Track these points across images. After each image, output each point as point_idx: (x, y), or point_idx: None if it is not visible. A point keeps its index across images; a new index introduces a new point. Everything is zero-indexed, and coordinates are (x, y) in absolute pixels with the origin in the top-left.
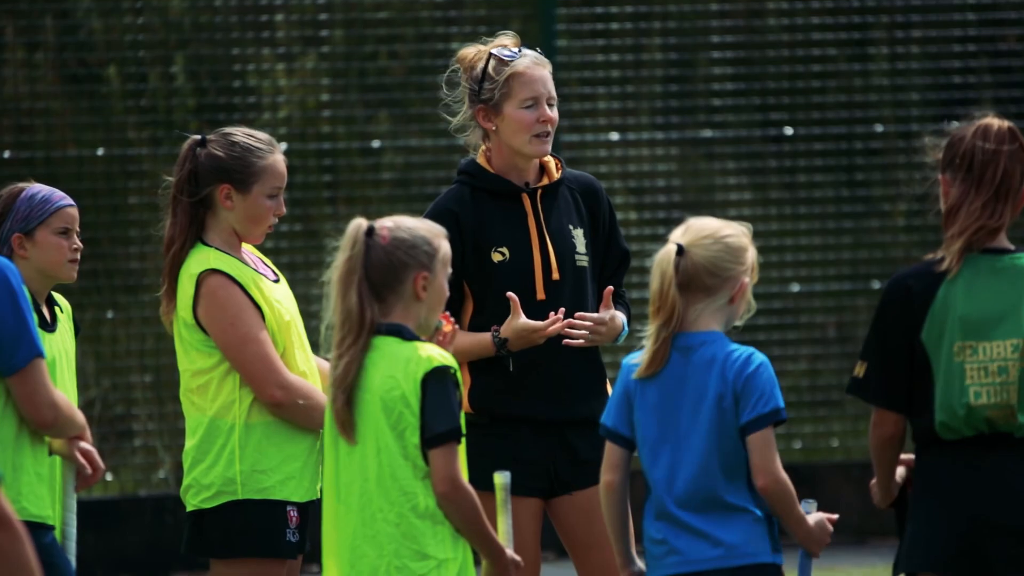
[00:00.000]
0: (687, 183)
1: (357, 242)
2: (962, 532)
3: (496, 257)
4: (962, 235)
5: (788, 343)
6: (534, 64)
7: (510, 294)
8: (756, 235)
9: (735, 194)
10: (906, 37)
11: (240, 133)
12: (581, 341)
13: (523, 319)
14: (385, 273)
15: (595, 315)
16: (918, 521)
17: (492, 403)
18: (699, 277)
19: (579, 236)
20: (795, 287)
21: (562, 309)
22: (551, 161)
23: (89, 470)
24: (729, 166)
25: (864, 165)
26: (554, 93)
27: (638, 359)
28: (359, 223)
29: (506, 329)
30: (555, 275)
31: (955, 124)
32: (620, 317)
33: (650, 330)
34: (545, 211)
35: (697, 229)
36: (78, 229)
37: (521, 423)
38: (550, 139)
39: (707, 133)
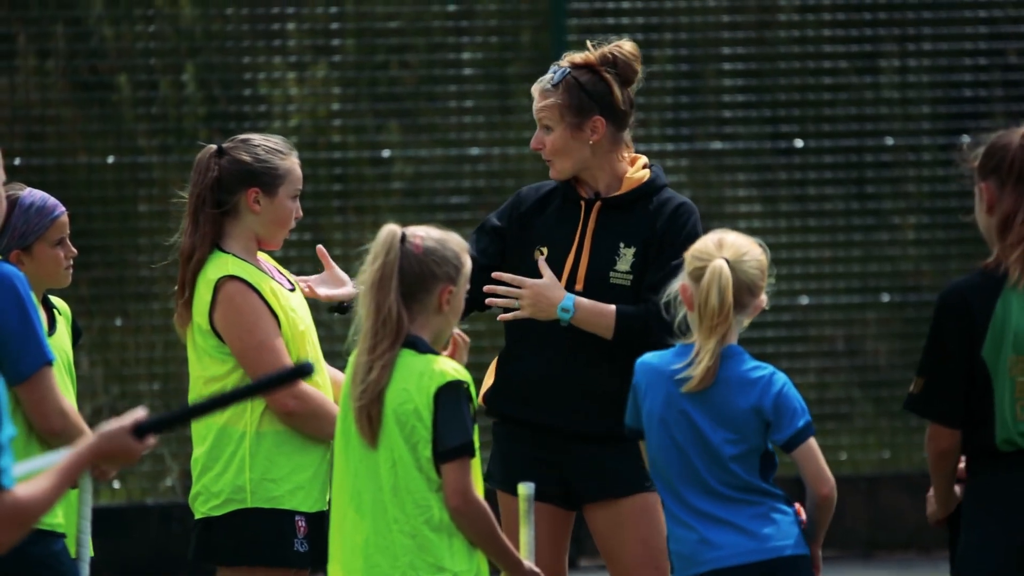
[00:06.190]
0: (697, 194)
1: (392, 249)
2: (1018, 545)
3: (536, 254)
4: (1021, 243)
5: (796, 356)
6: (539, 87)
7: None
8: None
9: (745, 206)
10: (917, 50)
11: (258, 137)
12: (500, 302)
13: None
14: (414, 282)
15: (516, 277)
16: (972, 534)
17: (503, 402)
18: (740, 294)
19: (628, 255)
20: (804, 299)
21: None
22: (634, 177)
23: None
24: (739, 178)
25: (874, 178)
26: (549, 117)
27: (682, 369)
28: (393, 229)
29: None
30: (578, 285)
31: (966, 138)
32: (560, 292)
33: (708, 346)
34: (599, 224)
35: (734, 246)
36: (68, 232)
37: (525, 426)
38: (554, 164)
39: (717, 145)
